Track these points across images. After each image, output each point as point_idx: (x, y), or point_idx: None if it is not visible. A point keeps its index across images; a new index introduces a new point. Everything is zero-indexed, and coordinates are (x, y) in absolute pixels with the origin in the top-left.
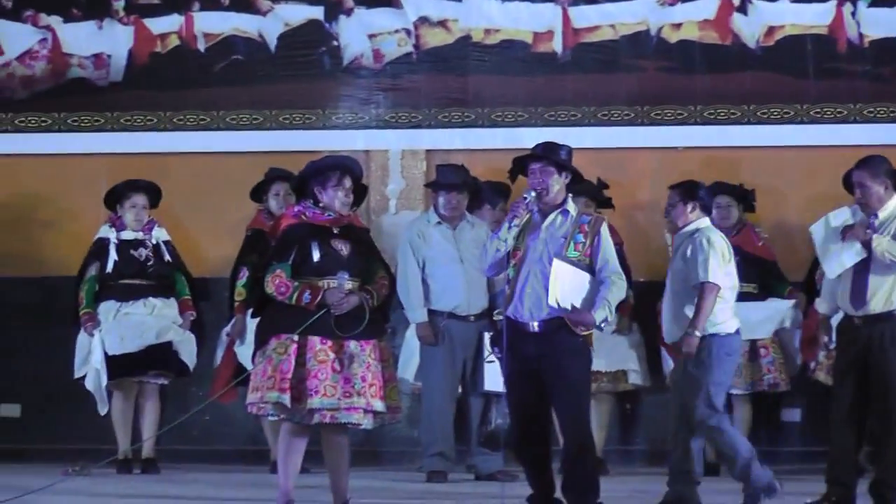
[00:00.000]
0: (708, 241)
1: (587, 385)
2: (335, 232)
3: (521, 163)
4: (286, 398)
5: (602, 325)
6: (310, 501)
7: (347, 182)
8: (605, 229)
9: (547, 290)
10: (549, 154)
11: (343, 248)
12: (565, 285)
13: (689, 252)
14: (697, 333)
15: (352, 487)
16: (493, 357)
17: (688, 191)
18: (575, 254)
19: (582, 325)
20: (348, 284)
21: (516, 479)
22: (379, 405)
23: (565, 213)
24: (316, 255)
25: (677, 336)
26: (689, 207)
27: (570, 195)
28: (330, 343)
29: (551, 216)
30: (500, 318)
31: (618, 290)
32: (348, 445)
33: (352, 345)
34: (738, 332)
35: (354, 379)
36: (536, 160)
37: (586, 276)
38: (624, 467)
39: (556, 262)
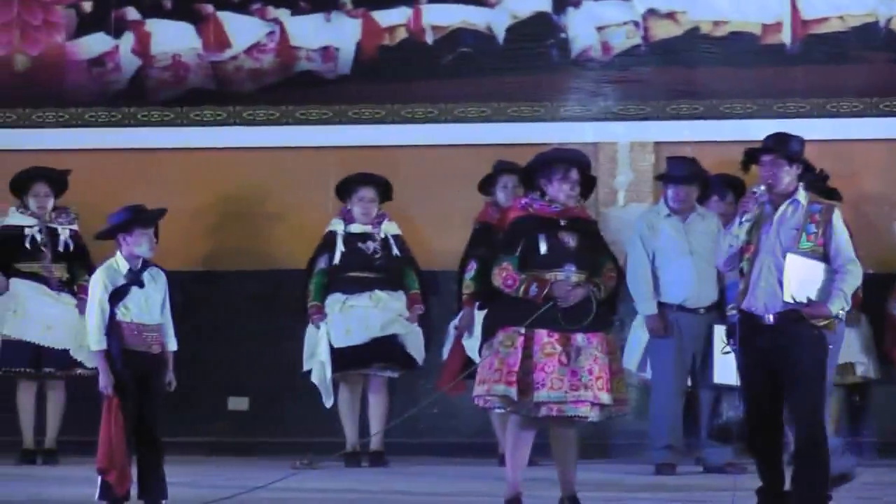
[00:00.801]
0: None
1: (823, 378)
2: (562, 224)
3: (753, 154)
4: (513, 391)
5: (840, 314)
6: (538, 494)
7: (574, 174)
8: (836, 217)
9: (781, 283)
10: (780, 146)
11: (570, 240)
12: (800, 278)
13: None
14: None
15: (580, 480)
16: (728, 348)
17: None
18: (808, 244)
19: (818, 317)
20: (575, 277)
21: (745, 471)
22: (606, 398)
23: (796, 203)
24: (543, 248)
25: None
26: None
27: (802, 185)
28: (557, 336)
29: (782, 207)
30: (734, 312)
31: (853, 278)
32: (576, 438)
33: (579, 337)
34: None
35: (581, 372)
36: (767, 152)
37: (821, 266)
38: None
39: (789, 256)
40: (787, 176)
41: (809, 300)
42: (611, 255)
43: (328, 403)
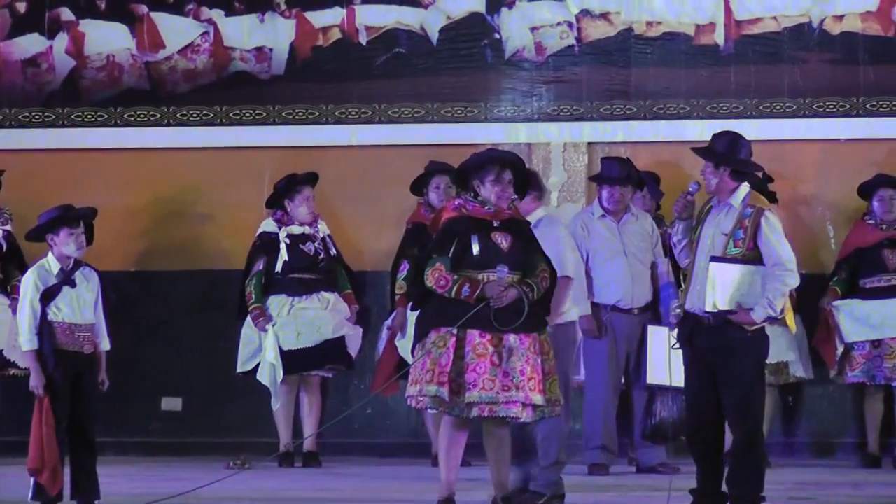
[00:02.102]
0: None
1: (756, 379)
2: (495, 225)
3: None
4: (444, 392)
5: (767, 322)
6: (470, 496)
7: (507, 176)
8: (766, 221)
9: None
10: (707, 147)
11: (503, 241)
12: (726, 285)
13: None
14: None
15: (513, 480)
16: (678, 345)
17: None
18: (736, 250)
19: (745, 324)
20: (508, 277)
21: (678, 471)
22: (538, 398)
23: (729, 206)
24: (475, 249)
25: None
26: None
27: (739, 185)
28: (489, 336)
29: (716, 211)
30: (678, 311)
31: (781, 283)
32: (510, 438)
33: (511, 338)
34: None
35: (513, 372)
36: (699, 152)
37: (750, 271)
38: (786, 459)
39: (713, 264)
40: (714, 177)
41: (739, 305)
42: (544, 255)
43: (276, 406)
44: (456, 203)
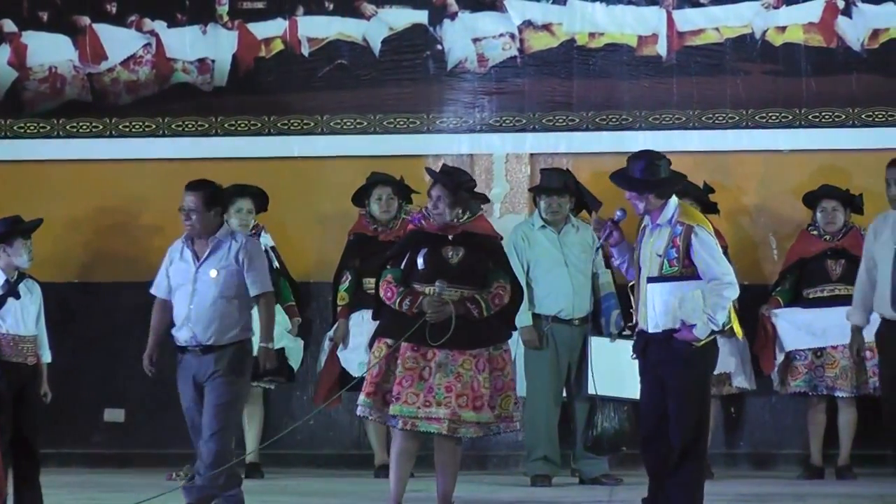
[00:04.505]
0: None
1: (699, 391)
2: (449, 239)
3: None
4: (369, 402)
5: (710, 337)
6: None
7: (434, 192)
8: (696, 238)
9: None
10: (623, 181)
11: (454, 255)
12: (666, 305)
13: None
14: None
15: (455, 492)
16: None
17: None
18: (671, 269)
19: (688, 341)
20: (448, 293)
21: (621, 482)
22: (469, 415)
23: (659, 227)
24: (420, 263)
25: None
26: None
27: (668, 202)
28: (422, 351)
29: (649, 231)
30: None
31: (718, 297)
32: (459, 451)
33: (440, 354)
34: None
35: (437, 388)
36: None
37: (690, 286)
38: (728, 471)
39: (649, 286)
40: (640, 202)
41: (683, 322)
42: (506, 270)
43: None
44: (416, 217)
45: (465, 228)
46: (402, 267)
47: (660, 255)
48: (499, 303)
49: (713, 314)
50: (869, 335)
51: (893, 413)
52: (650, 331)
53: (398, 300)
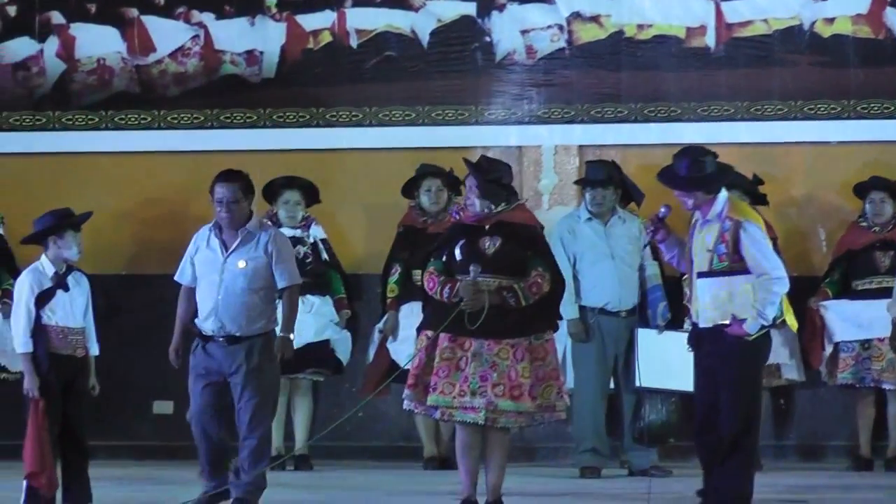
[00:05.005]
0: None
1: (750, 384)
2: (486, 229)
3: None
4: (411, 394)
5: (761, 331)
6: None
7: (469, 181)
8: (745, 233)
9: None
10: (669, 180)
11: (490, 244)
12: (717, 301)
13: None
14: None
15: (505, 484)
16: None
17: None
18: (721, 265)
19: (740, 336)
20: (483, 280)
21: (670, 474)
22: (507, 404)
23: (709, 223)
24: (458, 254)
25: None
26: None
27: (717, 197)
28: (458, 341)
29: (699, 226)
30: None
31: (768, 293)
32: (507, 442)
33: (476, 343)
34: None
35: (472, 378)
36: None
37: (739, 281)
38: (777, 462)
39: (698, 281)
40: (688, 198)
41: (734, 317)
42: (545, 259)
43: None
44: (455, 210)
45: (500, 218)
46: (444, 259)
47: (709, 251)
48: (537, 291)
49: (763, 309)
50: None
51: None
52: (702, 325)
53: (439, 289)
